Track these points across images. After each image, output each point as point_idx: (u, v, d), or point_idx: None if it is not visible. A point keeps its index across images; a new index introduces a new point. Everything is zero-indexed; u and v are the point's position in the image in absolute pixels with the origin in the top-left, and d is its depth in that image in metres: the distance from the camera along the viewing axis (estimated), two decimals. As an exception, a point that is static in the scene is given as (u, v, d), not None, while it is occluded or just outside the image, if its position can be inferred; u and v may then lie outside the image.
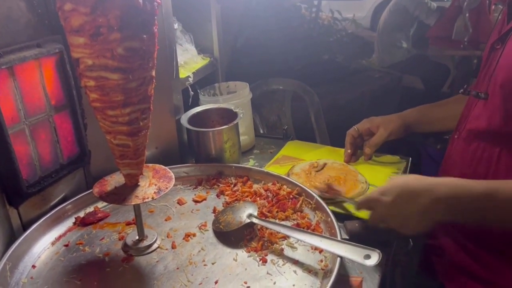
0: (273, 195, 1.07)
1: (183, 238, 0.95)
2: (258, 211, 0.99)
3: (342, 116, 2.11)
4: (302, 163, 1.25)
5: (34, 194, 0.95)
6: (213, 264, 0.87)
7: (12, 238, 0.91)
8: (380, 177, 1.17)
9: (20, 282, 0.83)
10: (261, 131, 1.89)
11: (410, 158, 1.27)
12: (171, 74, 1.22)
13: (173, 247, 0.92)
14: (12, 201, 0.91)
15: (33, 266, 0.88)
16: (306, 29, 2.68)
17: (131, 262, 0.89)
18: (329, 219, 0.94)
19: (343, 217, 1.00)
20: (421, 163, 2.34)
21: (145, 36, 0.73)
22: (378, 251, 0.78)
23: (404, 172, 1.22)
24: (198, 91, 1.41)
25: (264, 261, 0.87)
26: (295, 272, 0.84)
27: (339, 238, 0.86)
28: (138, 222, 0.91)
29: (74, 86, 1.00)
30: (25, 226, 0.94)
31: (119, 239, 0.95)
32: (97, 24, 0.68)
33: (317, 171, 1.19)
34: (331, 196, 1.07)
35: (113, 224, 1.01)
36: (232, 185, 1.13)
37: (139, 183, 0.88)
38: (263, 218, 0.98)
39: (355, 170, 1.20)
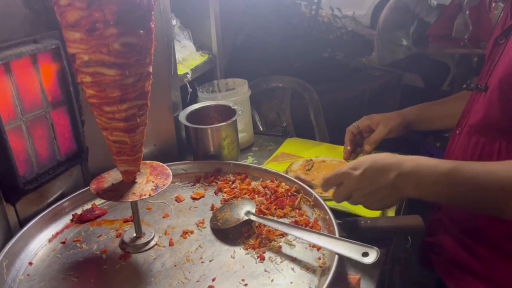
0: (271, 192, 1.06)
1: (181, 236, 0.94)
2: (256, 208, 0.99)
3: (341, 114, 2.11)
4: (301, 160, 1.24)
5: (31, 191, 0.94)
6: (210, 261, 0.87)
7: (8, 235, 0.90)
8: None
9: (16, 279, 0.83)
10: (260, 129, 1.89)
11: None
12: (169, 71, 1.21)
13: (171, 244, 0.92)
14: (8, 198, 0.91)
15: (30, 263, 0.87)
16: (306, 26, 2.67)
17: (129, 259, 0.88)
18: (327, 216, 0.93)
19: (342, 214, 1.00)
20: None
21: (141, 31, 0.72)
22: (376, 248, 0.77)
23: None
24: (197, 88, 1.41)
25: (262, 259, 0.86)
26: (293, 269, 0.84)
27: (337, 236, 0.85)
28: (135, 219, 0.91)
29: (71, 82, 0.99)
30: (22, 223, 0.94)
31: (117, 236, 0.95)
32: (93, 19, 0.67)
33: (307, 170, 1.18)
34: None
35: (111, 221, 1.01)
36: (230, 182, 1.13)
37: (136, 180, 0.88)
38: (261, 215, 0.98)
39: None
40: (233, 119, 1.21)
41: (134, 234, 0.92)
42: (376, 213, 1.01)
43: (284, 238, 0.92)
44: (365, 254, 0.77)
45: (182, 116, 1.24)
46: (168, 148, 1.28)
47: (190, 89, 1.37)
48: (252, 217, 0.93)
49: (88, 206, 1.05)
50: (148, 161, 0.94)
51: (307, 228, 0.92)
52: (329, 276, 0.76)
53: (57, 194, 1.03)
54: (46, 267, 0.87)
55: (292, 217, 0.99)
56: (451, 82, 3.20)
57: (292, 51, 2.42)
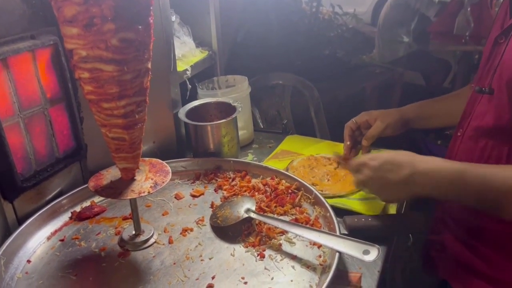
0: (271, 189, 1.05)
1: (180, 233, 0.94)
2: (256, 206, 0.98)
3: (342, 111, 2.09)
4: (301, 157, 1.24)
5: (29, 188, 0.94)
6: (210, 259, 0.86)
7: (7, 232, 0.90)
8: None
9: (14, 277, 0.83)
10: (261, 126, 1.88)
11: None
12: (168, 67, 1.20)
13: (170, 242, 0.91)
14: (7, 195, 0.90)
15: (28, 261, 0.87)
16: (306, 23, 2.66)
17: (128, 257, 0.88)
18: (328, 214, 0.93)
19: (342, 212, 0.99)
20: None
21: (140, 27, 0.71)
22: (377, 246, 0.77)
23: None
24: (196, 84, 1.40)
25: (262, 256, 0.86)
26: (293, 267, 0.83)
27: (338, 233, 0.85)
28: (134, 216, 0.90)
29: (69, 78, 0.98)
30: (20, 221, 0.93)
31: (116, 234, 0.94)
32: (90, 14, 0.66)
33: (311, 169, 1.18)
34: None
35: (110, 218, 1.00)
36: (230, 180, 1.12)
37: (135, 177, 0.87)
38: (261, 213, 0.97)
39: None
40: (233, 116, 1.20)
41: (133, 232, 0.92)
42: (377, 211, 1.00)
43: (284, 236, 0.91)
44: (366, 252, 0.76)
45: (182, 113, 1.23)
46: (167, 145, 1.27)
47: (189, 86, 1.36)
48: (252, 215, 0.92)
49: (87, 203, 1.04)
50: (147, 158, 0.93)
51: (307, 225, 0.91)
52: (329, 274, 0.75)
53: (55, 192, 1.02)
54: (45, 265, 0.86)
55: (292, 214, 0.98)
56: (452, 80, 3.19)
57: (293, 48, 2.41)
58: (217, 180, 1.13)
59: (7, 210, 0.91)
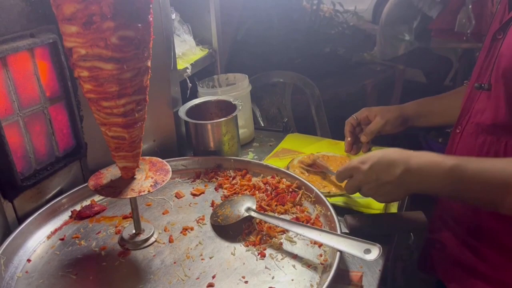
0: (272, 188, 1.05)
1: (181, 232, 0.93)
2: (257, 204, 0.98)
3: (343, 109, 2.09)
4: (302, 156, 1.23)
5: (29, 187, 0.94)
6: (210, 258, 0.86)
7: (7, 231, 0.89)
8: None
9: (14, 276, 0.82)
10: (261, 124, 1.87)
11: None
12: (168, 66, 1.20)
13: (171, 241, 0.91)
14: (6, 195, 0.90)
15: (28, 260, 0.86)
16: (307, 21, 2.66)
17: (128, 256, 0.87)
18: (329, 213, 0.92)
19: (343, 211, 0.99)
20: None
21: (139, 25, 0.71)
22: (379, 245, 0.76)
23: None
24: (197, 83, 1.39)
25: (263, 256, 0.85)
26: (294, 266, 0.82)
27: (339, 232, 0.84)
28: (134, 215, 0.90)
29: (69, 77, 0.98)
30: (20, 220, 0.93)
31: (116, 233, 0.94)
32: (89, 12, 0.66)
33: (307, 165, 1.17)
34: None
35: (110, 217, 1.00)
36: (231, 178, 1.12)
37: (135, 176, 0.87)
38: (262, 211, 0.97)
39: None
40: (234, 114, 1.20)
41: (134, 231, 0.91)
42: (378, 210, 1.00)
43: (285, 234, 0.91)
44: (367, 251, 0.76)
45: (182, 111, 1.22)
46: (167, 143, 1.27)
47: (190, 84, 1.36)
48: (253, 214, 0.92)
49: (87, 202, 1.04)
50: (147, 157, 0.93)
51: (308, 224, 0.90)
52: (330, 273, 0.75)
53: (55, 191, 1.02)
54: (45, 264, 0.86)
55: (293, 213, 0.98)
56: (453, 77, 3.18)
57: (293, 46, 2.41)
58: (217, 179, 1.13)
59: (7, 209, 0.91)
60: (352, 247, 0.78)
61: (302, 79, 2.07)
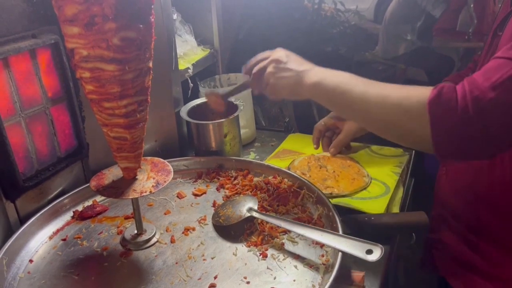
0: (274, 188, 1.05)
1: (182, 232, 0.94)
2: (258, 204, 0.97)
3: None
4: (302, 156, 1.23)
5: (31, 188, 0.94)
6: (212, 258, 0.86)
7: (9, 232, 0.89)
8: (382, 171, 1.15)
9: (17, 276, 0.82)
10: (263, 124, 1.87)
11: (414, 151, 1.25)
12: (170, 66, 1.20)
13: (172, 241, 0.91)
14: (8, 195, 0.90)
15: (30, 261, 0.87)
16: (308, 20, 2.65)
17: (130, 257, 0.88)
18: (331, 213, 0.92)
19: (345, 211, 0.99)
20: (424, 155, 2.32)
21: (141, 25, 0.71)
22: (380, 246, 0.76)
23: (407, 165, 1.20)
24: (198, 83, 1.39)
25: (264, 256, 0.85)
26: (295, 267, 0.82)
27: (340, 233, 0.84)
28: (136, 216, 0.90)
29: (71, 77, 0.98)
30: (22, 220, 0.93)
31: (118, 233, 0.94)
32: (91, 13, 0.66)
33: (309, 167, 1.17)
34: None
35: (112, 218, 1.00)
36: (233, 179, 1.12)
37: (137, 177, 0.87)
38: (264, 212, 0.97)
39: (357, 163, 1.18)
40: (235, 114, 1.20)
41: (135, 231, 0.91)
42: (380, 210, 1.00)
43: (287, 235, 0.90)
44: (369, 252, 0.76)
45: (184, 111, 1.22)
46: (169, 144, 1.27)
47: (191, 84, 1.36)
48: (255, 214, 0.92)
49: (89, 202, 1.04)
50: (149, 158, 0.93)
51: (310, 225, 0.90)
52: (332, 273, 0.75)
53: (57, 191, 1.02)
54: (47, 264, 0.86)
55: (295, 213, 0.98)
56: (455, 76, 3.17)
57: (295, 45, 2.39)
58: (219, 179, 1.13)
59: (9, 209, 0.91)
60: (353, 248, 0.78)
61: (303, 78, 2.06)
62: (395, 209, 1.03)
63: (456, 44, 3.07)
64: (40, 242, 0.91)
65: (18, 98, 0.89)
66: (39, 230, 0.93)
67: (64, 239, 0.93)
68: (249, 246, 0.88)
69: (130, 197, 0.83)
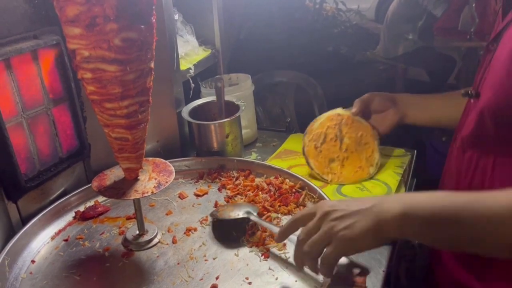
0: (275, 189, 1.05)
1: (184, 233, 0.94)
2: (260, 205, 0.98)
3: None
4: (325, 116, 1.18)
5: (33, 188, 0.94)
6: (214, 259, 0.86)
7: (11, 232, 0.90)
8: (384, 171, 1.15)
9: (19, 277, 0.83)
10: (264, 124, 1.87)
11: (416, 151, 1.25)
12: (171, 66, 1.20)
13: (174, 242, 0.91)
14: (10, 196, 0.90)
15: (32, 261, 0.87)
16: (310, 20, 2.65)
17: (131, 257, 0.88)
18: (333, 213, 0.92)
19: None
20: (426, 156, 2.32)
21: (142, 26, 0.71)
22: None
23: (409, 165, 1.19)
24: (200, 83, 1.39)
25: (266, 256, 0.85)
26: (297, 267, 0.82)
27: (342, 233, 0.84)
28: (138, 216, 0.90)
29: (72, 78, 0.98)
30: (24, 221, 0.93)
31: (120, 234, 0.94)
32: (92, 14, 0.66)
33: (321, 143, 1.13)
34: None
35: (114, 218, 1.00)
36: (234, 179, 1.12)
37: (138, 177, 0.87)
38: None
39: (375, 141, 1.13)
40: (237, 114, 1.20)
41: (137, 232, 0.92)
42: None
43: (288, 235, 0.90)
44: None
45: (185, 112, 1.22)
46: (171, 144, 1.27)
47: (192, 85, 1.36)
48: (252, 217, 0.91)
49: (90, 203, 1.04)
50: (150, 158, 0.93)
51: (311, 225, 0.90)
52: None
53: (59, 191, 1.02)
54: (49, 265, 0.86)
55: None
56: (457, 76, 3.16)
57: (296, 45, 2.40)
58: (220, 179, 1.13)
59: (11, 210, 0.91)
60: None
61: (305, 78, 2.07)
62: (397, 209, 1.02)
63: (457, 43, 3.07)
64: (42, 243, 0.92)
65: (20, 99, 0.89)
66: (41, 231, 0.93)
67: (66, 240, 0.93)
68: (250, 247, 0.88)
69: (132, 197, 0.83)
